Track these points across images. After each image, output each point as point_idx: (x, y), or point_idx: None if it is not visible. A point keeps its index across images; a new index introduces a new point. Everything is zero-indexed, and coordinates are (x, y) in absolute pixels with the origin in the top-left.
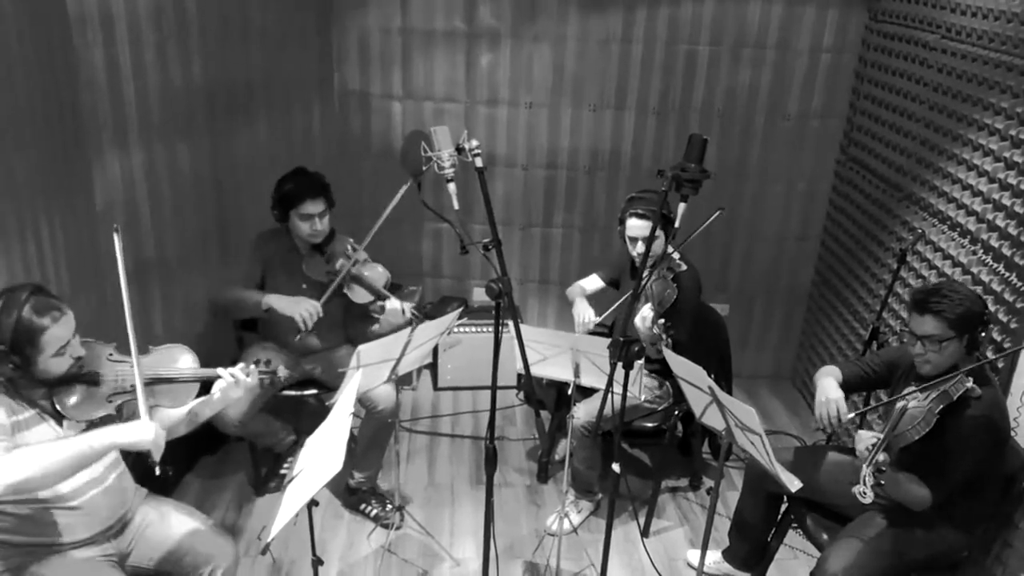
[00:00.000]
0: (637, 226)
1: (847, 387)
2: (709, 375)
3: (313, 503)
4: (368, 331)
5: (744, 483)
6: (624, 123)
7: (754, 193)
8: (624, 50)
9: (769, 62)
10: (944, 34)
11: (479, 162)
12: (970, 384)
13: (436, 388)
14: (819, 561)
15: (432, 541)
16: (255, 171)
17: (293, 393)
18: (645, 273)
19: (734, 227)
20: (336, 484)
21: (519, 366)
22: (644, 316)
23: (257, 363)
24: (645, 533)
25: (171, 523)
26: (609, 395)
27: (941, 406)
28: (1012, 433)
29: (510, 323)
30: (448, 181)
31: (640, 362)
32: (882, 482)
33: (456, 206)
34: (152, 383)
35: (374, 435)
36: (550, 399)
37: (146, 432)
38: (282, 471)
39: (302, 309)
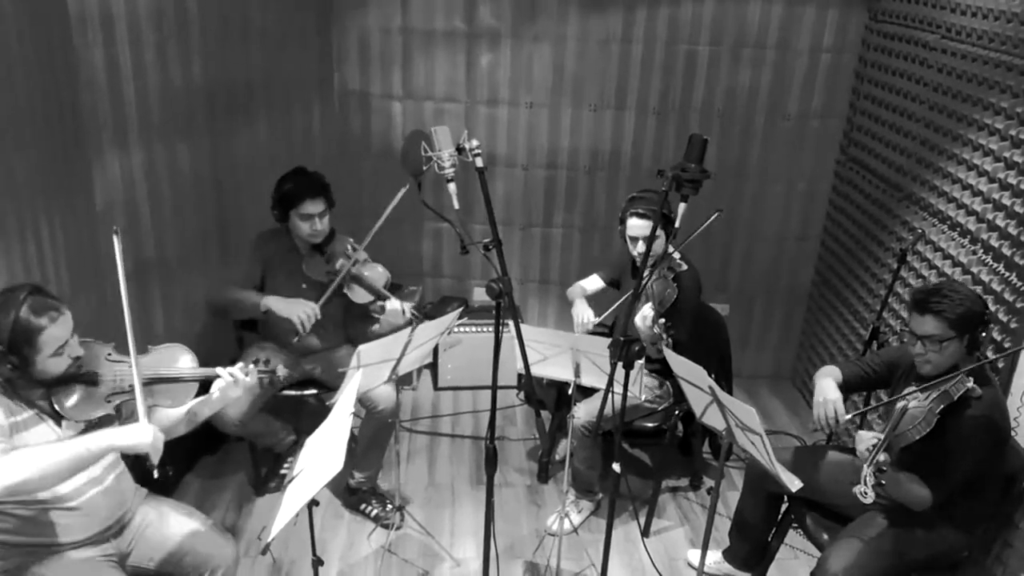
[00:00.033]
0: (638, 226)
1: (847, 387)
2: (709, 375)
3: (313, 503)
4: (368, 331)
5: (744, 483)
6: (624, 123)
7: (754, 193)
8: (624, 50)
9: (769, 62)
10: (944, 34)
11: (479, 162)
12: (971, 384)
13: (436, 388)
14: (819, 561)
15: (432, 541)
16: (255, 171)
17: (293, 393)
18: (646, 273)
19: (734, 227)
20: (336, 484)
21: (519, 366)
22: (644, 315)
23: (256, 362)
24: (646, 533)
25: (171, 523)
26: (609, 395)
27: (942, 406)
28: (1012, 433)
29: (510, 323)
30: (448, 181)
31: (640, 362)
32: (883, 482)
33: (456, 206)
34: (151, 383)
35: (374, 435)
36: (550, 399)
37: (144, 435)
38: (282, 471)
39: (299, 311)
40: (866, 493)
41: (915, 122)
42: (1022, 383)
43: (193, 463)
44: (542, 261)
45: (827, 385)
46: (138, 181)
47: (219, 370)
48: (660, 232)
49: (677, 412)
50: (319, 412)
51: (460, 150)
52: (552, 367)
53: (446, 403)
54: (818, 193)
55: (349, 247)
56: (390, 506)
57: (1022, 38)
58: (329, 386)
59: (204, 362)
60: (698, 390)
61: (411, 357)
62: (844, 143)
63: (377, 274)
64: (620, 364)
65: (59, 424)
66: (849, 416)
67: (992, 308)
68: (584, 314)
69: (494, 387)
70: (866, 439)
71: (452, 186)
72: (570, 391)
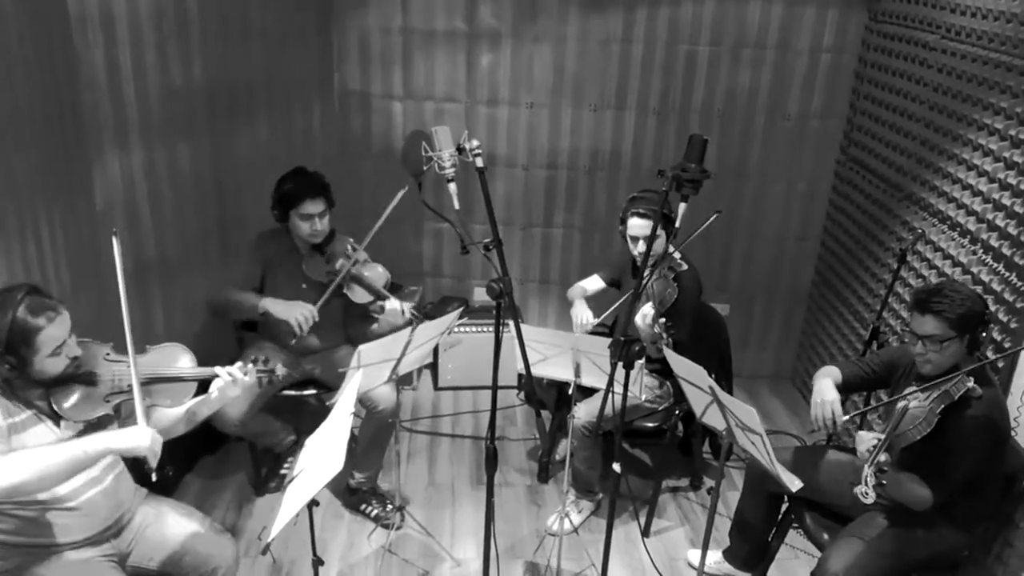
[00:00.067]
0: (638, 225)
1: (847, 387)
2: (709, 375)
3: (313, 503)
4: (368, 331)
5: (745, 483)
6: (624, 123)
7: (754, 193)
8: (624, 50)
9: (769, 62)
10: (944, 34)
11: (480, 162)
12: (971, 384)
13: (436, 388)
14: (820, 561)
15: (433, 541)
16: (255, 171)
17: (293, 393)
18: (646, 272)
19: (734, 227)
20: (336, 484)
21: (520, 366)
22: (645, 314)
23: (255, 362)
24: (646, 533)
25: (171, 523)
26: (610, 395)
27: (942, 406)
28: (1012, 433)
29: (511, 323)
30: (449, 181)
31: (641, 362)
32: (884, 482)
33: (457, 206)
34: (149, 382)
35: (374, 435)
36: (551, 399)
37: (142, 438)
38: (282, 471)
39: (297, 313)
40: (867, 493)
41: (915, 122)
42: (1022, 383)
43: (193, 463)
44: (542, 261)
45: (825, 386)
46: (138, 181)
47: (218, 369)
48: (661, 232)
49: (677, 412)
50: (319, 412)
51: (460, 150)
52: (552, 367)
53: (446, 403)
54: (818, 193)
55: (349, 247)
56: (390, 506)
57: (1022, 38)
58: (329, 386)
59: (204, 362)
60: (698, 390)
61: (411, 357)
62: (844, 143)
63: (377, 274)
64: (620, 364)
65: (58, 424)
66: (847, 417)
67: (992, 308)
68: (583, 315)
69: (494, 387)
70: (867, 439)
71: (452, 186)
72: (570, 391)
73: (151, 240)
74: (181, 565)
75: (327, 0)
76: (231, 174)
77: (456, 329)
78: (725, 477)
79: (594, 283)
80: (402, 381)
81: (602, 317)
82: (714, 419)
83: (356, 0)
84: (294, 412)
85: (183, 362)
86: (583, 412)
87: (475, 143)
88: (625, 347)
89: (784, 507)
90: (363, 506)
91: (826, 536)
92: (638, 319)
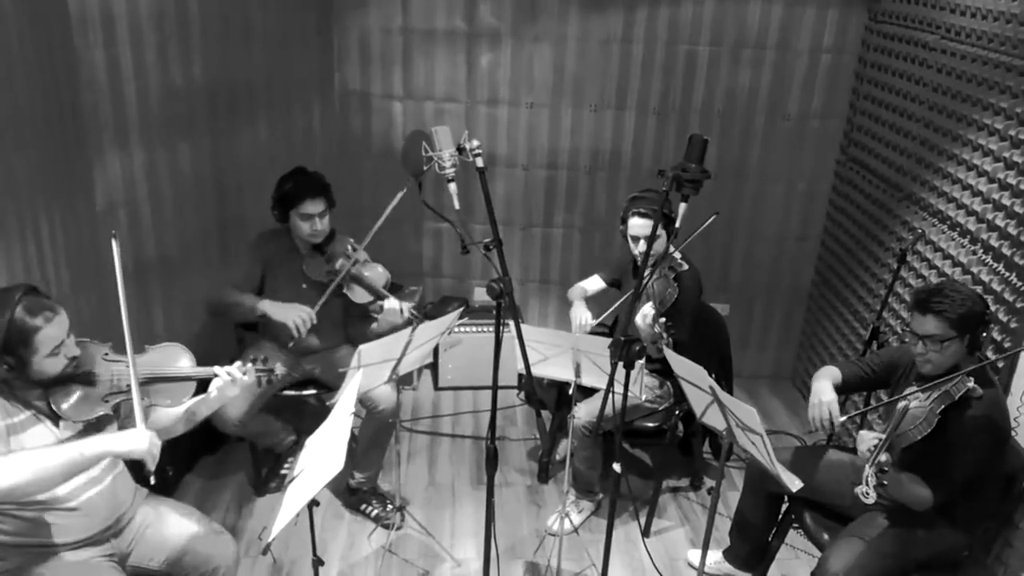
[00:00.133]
0: (639, 224)
1: (846, 387)
2: (710, 375)
3: (314, 503)
4: (367, 331)
5: (745, 483)
6: (624, 123)
7: (754, 193)
8: (624, 50)
9: (769, 62)
10: (944, 35)
11: (480, 162)
12: (971, 384)
13: (437, 388)
14: (820, 561)
15: (433, 541)
16: (255, 171)
17: (293, 393)
18: (646, 272)
19: (734, 227)
20: (337, 484)
21: (520, 366)
22: (645, 314)
23: (254, 361)
24: (646, 533)
25: (171, 523)
26: (610, 395)
27: (943, 406)
28: (1012, 433)
29: (511, 323)
30: (449, 181)
31: (641, 362)
32: (885, 482)
33: (457, 206)
34: (148, 382)
35: (375, 435)
36: (551, 399)
37: (140, 441)
38: (283, 471)
39: (295, 316)
40: (868, 493)
41: (915, 122)
42: (1022, 383)
43: (193, 463)
44: (542, 261)
45: (823, 387)
46: (139, 181)
47: (217, 369)
48: (661, 232)
49: (677, 412)
50: (319, 412)
51: (461, 150)
52: (553, 367)
53: (446, 403)
54: (818, 193)
55: (349, 247)
56: (390, 506)
57: (1022, 39)
58: (329, 386)
59: (204, 362)
60: (698, 390)
61: (411, 357)
62: (844, 143)
63: (377, 274)
64: (620, 364)
65: (56, 425)
66: (844, 419)
67: (992, 308)
68: (582, 316)
69: (494, 387)
70: (868, 439)
71: (453, 186)
72: (570, 391)
73: (151, 240)
74: (181, 565)
75: (327, 0)
76: (231, 174)
77: (456, 329)
78: (725, 477)
79: (594, 283)
80: (402, 381)
81: (602, 317)
82: (714, 419)
83: (356, 0)
84: (294, 412)
85: (182, 362)
86: (583, 412)
87: (475, 143)
88: (625, 347)
89: (784, 507)
90: (363, 506)
91: (826, 536)
92: (638, 319)
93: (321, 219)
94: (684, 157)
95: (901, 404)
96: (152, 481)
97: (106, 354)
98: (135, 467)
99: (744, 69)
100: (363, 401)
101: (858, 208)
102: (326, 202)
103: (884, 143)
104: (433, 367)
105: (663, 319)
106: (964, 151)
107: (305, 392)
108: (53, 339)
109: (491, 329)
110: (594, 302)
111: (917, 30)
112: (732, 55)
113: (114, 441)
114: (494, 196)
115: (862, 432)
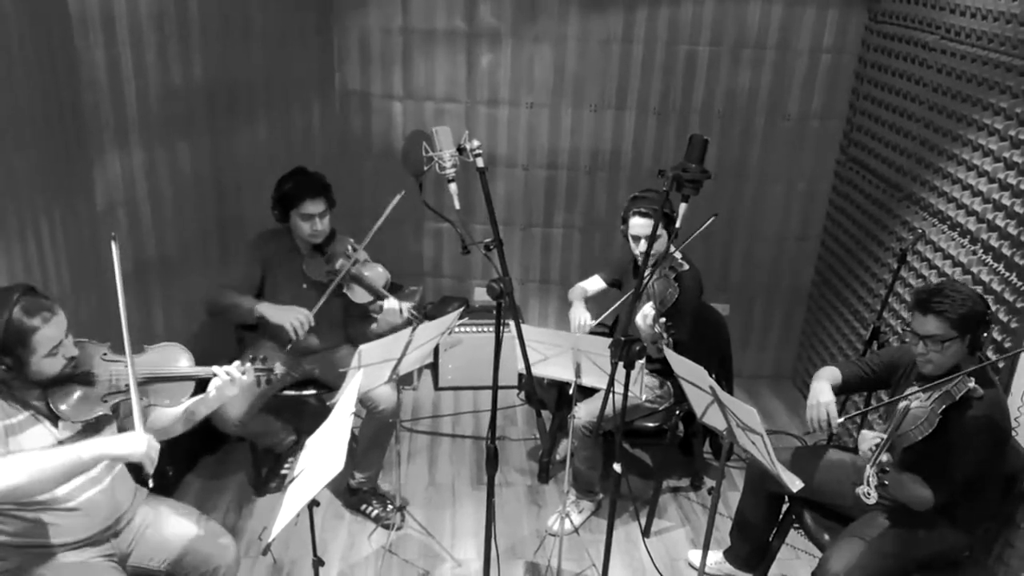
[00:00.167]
0: (640, 224)
1: (846, 388)
2: (710, 375)
3: (314, 503)
4: (367, 331)
5: (745, 483)
6: (625, 123)
7: (754, 193)
8: (625, 50)
9: (769, 63)
10: (944, 35)
11: (480, 162)
12: (972, 384)
13: (437, 388)
14: (821, 561)
15: (433, 542)
16: (255, 171)
17: (293, 393)
18: (647, 272)
19: (734, 227)
20: (337, 484)
21: (520, 366)
22: (645, 314)
23: (253, 360)
24: (646, 533)
25: (171, 524)
26: (610, 395)
27: (944, 406)
28: (1013, 433)
29: (511, 323)
30: (449, 181)
31: (641, 362)
32: (886, 483)
33: (457, 206)
34: (147, 382)
35: (375, 435)
36: (551, 399)
37: (138, 444)
38: (283, 471)
39: (292, 318)
40: (869, 494)
41: (915, 122)
42: (1023, 383)
43: (193, 463)
44: (543, 261)
45: (821, 388)
46: (139, 181)
47: (216, 368)
48: (662, 231)
49: (678, 412)
50: (320, 412)
51: (461, 150)
52: (553, 367)
53: (447, 403)
54: (818, 193)
55: (349, 247)
56: (391, 506)
57: (1021, 39)
58: (329, 386)
59: (204, 362)
60: (699, 390)
61: (412, 357)
62: (844, 143)
63: (377, 274)
64: (621, 364)
65: (55, 425)
66: (841, 420)
67: (993, 308)
68: (581, 317)
69: (495, 387)
70: (869, 439)
71: (453, 186)
72: (571, 391)
73: (151, 240)
74: (181, 565)
75: (327, 0)
76: (231, 174)
77: (456, 329)
78: (726, 477)
79: (595, 283)
80: (402, 381)
81: (602, 317)
82: (715, 419)
83: (356, 0)
84: (294, 412)
85: (181, 362)
86: (583, 412)
87: (475, 143)
88: (625, 347)
89: (785, 507)
90: (363, 506)
91: (827, 536)
92: (639, 319)
93: (321, 219)
94: (684, 157)
95: (902, 404)
96: (151, 484)
97: (105, 354)
98: (134, 468)
99: (744, 69)
100: (363, 401)
101: (858, 208)
102: (326, 202)
103: (884, 143)
104: (433, 367)
105: (663, 319)
106: (964, 151)
107: (305, 392)
108: (51, 339)
109: (491, 329)
110: (594, 302)
111: (917, 30)
112: (732, 55)
113: (112, 444)
114: (494, 196)
115: (863, 432)
